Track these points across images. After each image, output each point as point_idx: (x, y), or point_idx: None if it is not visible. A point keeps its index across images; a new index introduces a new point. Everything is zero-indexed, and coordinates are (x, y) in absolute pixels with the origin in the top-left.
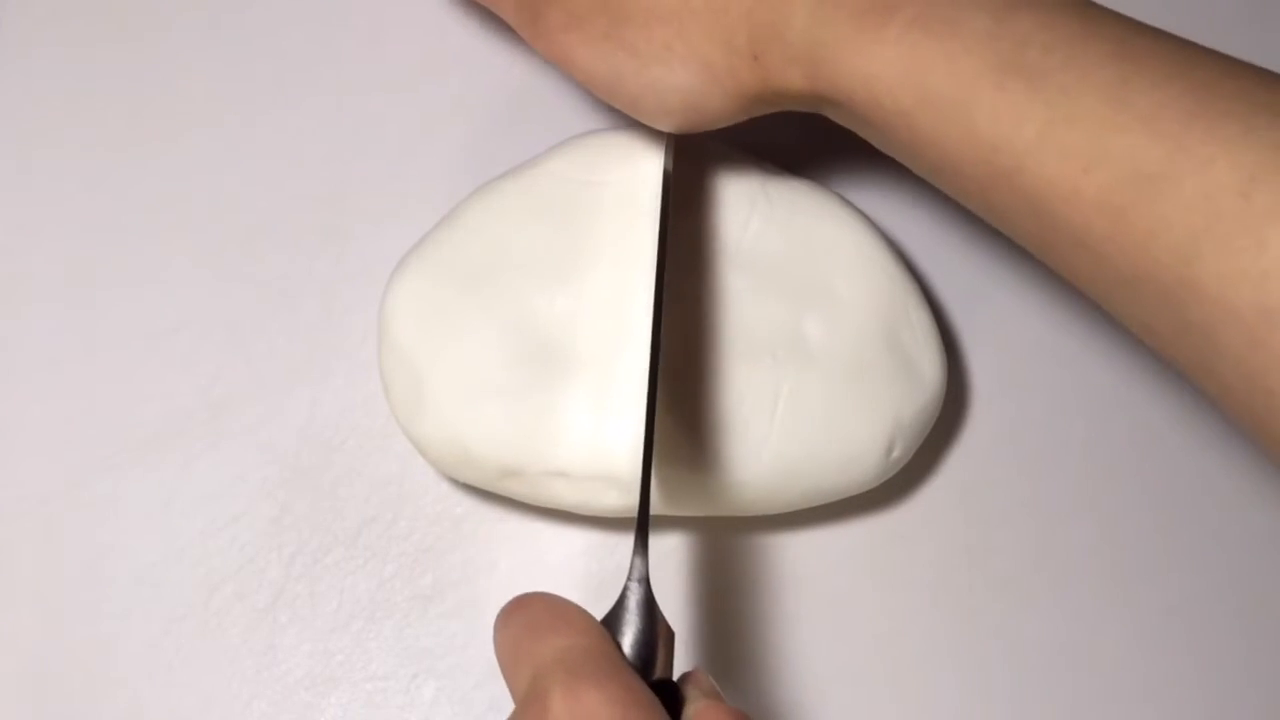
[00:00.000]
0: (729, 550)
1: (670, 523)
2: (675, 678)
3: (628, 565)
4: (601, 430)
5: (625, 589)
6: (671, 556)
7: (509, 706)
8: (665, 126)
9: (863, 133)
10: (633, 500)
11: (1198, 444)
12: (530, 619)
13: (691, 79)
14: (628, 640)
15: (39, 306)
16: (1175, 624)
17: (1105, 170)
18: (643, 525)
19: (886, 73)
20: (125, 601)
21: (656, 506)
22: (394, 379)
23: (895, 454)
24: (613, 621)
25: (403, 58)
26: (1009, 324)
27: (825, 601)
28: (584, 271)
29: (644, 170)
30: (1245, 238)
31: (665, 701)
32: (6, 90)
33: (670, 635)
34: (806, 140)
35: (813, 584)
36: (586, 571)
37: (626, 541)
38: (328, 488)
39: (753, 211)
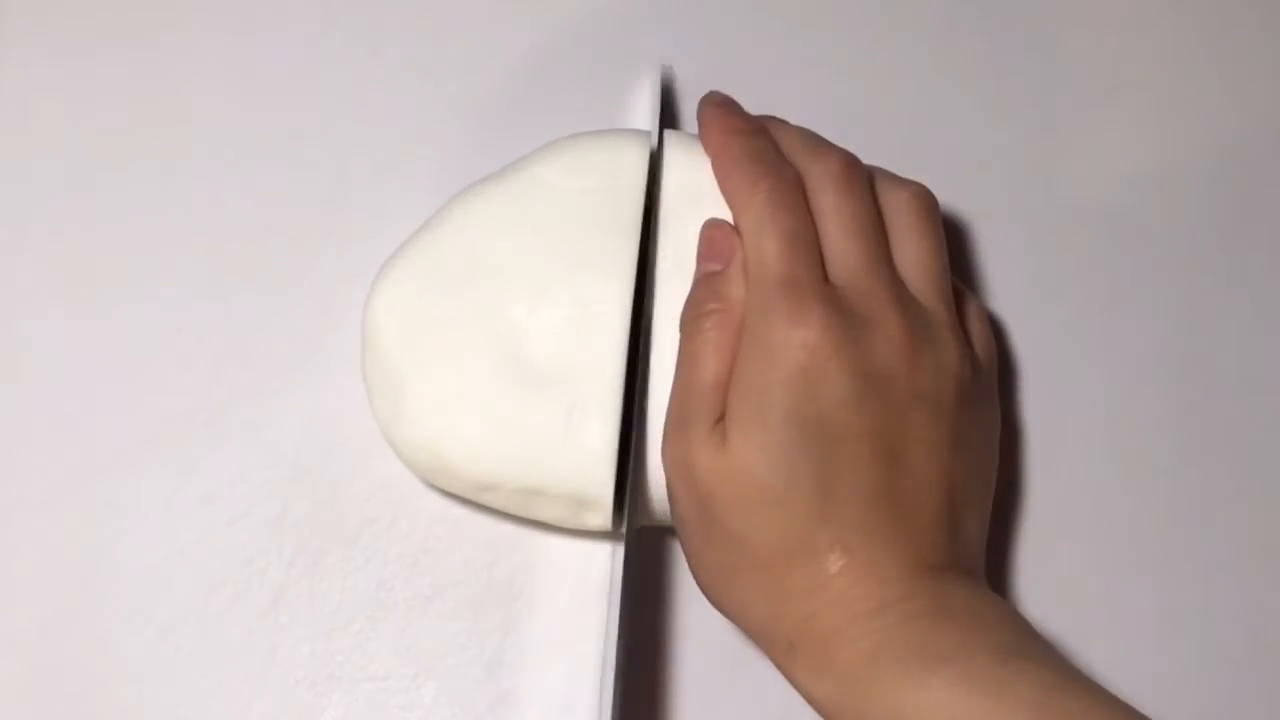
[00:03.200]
0: None
1: (658, 531)
2: None
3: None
4: (579, 451)
5: None
6: (661, 558)
7: (509, 707)
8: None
9: None
10: (609, 523)
11: (1192, 441)
12: None
13: (748, 625)
14: None
15: (39, 307)
16: (1172, 626)
17: None
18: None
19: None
20: (125, 601)
21: (644, 519)
22: (375, 386)
23: None
24: None
25: (400, 57)
26: (998, 318)
27: None
28: (566, 280)
29: (629, 175)
30: None
31: None
32: (6, 91)
33: None
34: None
35: None
36: (587, 571)
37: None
38: (328, 488)
39: None
